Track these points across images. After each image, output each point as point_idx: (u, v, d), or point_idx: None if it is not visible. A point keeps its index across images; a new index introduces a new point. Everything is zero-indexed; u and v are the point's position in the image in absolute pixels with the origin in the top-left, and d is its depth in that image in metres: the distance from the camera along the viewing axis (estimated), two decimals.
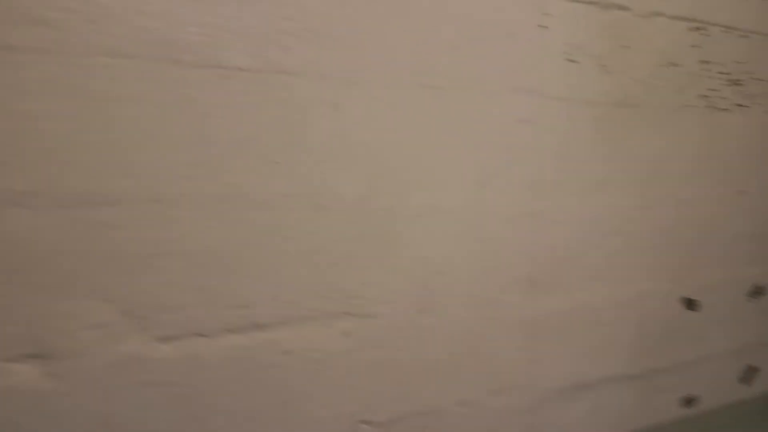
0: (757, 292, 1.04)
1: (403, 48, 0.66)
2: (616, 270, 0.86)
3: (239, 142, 0.59)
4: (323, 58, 0.62)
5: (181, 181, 0.56)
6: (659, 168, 0.90)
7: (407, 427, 0.69)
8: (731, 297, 1.01)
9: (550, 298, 0.80)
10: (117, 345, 0.56)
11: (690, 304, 0.95)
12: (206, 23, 0.56)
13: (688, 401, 0.95)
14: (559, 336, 0.81)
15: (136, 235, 0.55)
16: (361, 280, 0.66)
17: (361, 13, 0.63)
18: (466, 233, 0.73)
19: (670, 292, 0.93)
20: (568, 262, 0.81)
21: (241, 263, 0.59)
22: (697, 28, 0.90)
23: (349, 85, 0.65)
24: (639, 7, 0.84)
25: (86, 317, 0.55)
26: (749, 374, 1.04)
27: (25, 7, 0.50)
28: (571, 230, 0.81)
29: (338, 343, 0.65)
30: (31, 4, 0.50)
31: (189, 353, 0.58)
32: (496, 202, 0.75)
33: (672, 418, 0.94)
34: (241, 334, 0.60)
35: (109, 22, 0.53)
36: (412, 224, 0.69)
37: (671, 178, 0.91)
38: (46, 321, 0.53)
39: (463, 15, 0.70)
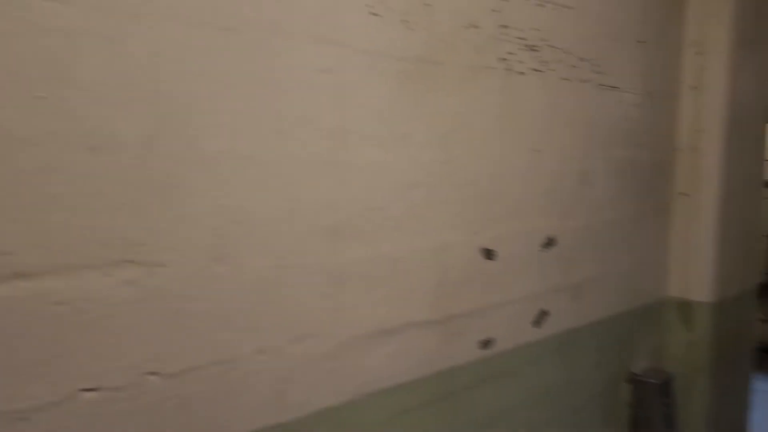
0: (549, 243, 1.14)
1: None
2: (418, 221, 0.90)
3: None
4: None
5: None
6: (460, 124, 0.95)
7: (201, 377, 0.68)
8: (526, 247, 1.10)
9: (353, 248, 0.82)
10: None
11: (488, 253, 1.02)
12: None
13: (486, 343, 1.03)
14: (362, 284, 0.84)
15: None
16: (146, 228, 0.63)
17: None
18: (265, 182, 0.72)
19: (470, 243, 0.99)
20: (371, 213, 0.84)
21: (1, 205, 0.54)
22: None
23: (131, 19, 0.61)
24: None
25: None
26: (541, 318, 1.14)
27: None
28: (373, 181, 0.84)
29: (121, 293, 0.62)
30: None
31: None
32: (296, 151, 0.75)
33: (471, 359, 1.01)
34: (1, 284, 0.55)
35: None
36: (204, 170, 0.67)
37: (472, 134, 0.97)
38: None
39: None
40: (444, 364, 0.97)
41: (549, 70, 1.09)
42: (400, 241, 0.88)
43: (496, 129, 1.01)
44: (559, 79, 1.11)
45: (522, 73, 1.03)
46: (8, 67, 0.54)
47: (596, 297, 1.30)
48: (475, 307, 1.02)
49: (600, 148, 1.24)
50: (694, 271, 1.51)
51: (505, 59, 1.00)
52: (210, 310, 0.68)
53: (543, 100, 1.09)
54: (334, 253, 0.80)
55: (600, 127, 1.23)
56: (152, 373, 0.64)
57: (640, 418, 1.42)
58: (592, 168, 1.23)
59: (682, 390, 1.52)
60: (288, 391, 0.76)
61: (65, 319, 0.58)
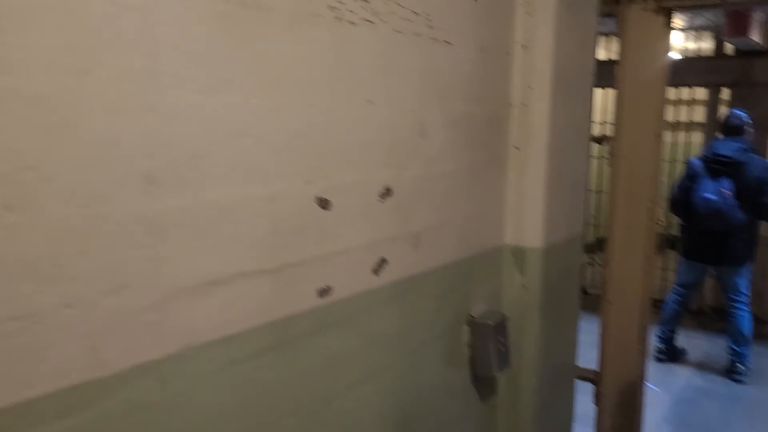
0: (386, 193, 1.17)
1: None
2: (246, 169, 0.89)
3: None
4: None
5: None
6: (289, 72, 0.94)
7: None
8: (363, 197, 1.12)
9: (174, 196, 0.79)
10: None
11: (322, 203, 1.03)
12: None
13: (324, 291, 1.05)
14: (186, 234, 0.81)
15: None
16: None
17: None
18: (64, 124, 0.67)
19: (303, 192, 0.99)
20: (193, 160, 0.81)
21: None
22: None
23: None
24: None
25: None
26: (380, 266, 1.17)
27: None
28: (194, 127, 0.81)
29: None
30: None
31: None
32: (100, 93, 0.70)
33: (308, 307, 1.02)
34: None
35: None
36: None
37: (301, 83, 0.96)
38: None
39: None
40: (280, 313, 0.97)
41: (381, 22, 1.10)
42: (227, 189, 0.86)
43: (327, 78, 1.01)
44: (393, 32, 1.13)
45: (353, 23, 1.04)
46: None
47: (435, 245, 1.36)
48: (312, 256, 1.02)
49: (436, 101, 1.29)
50: (526, 220, 1.62)
51: (335, 8, 1.00)
52: (4, 261, 0.63)
53: (376, 52, 1.10)
54: (152, 202, 0.77)
55: (435, 81, 1.27)
56: None
57: (477, 356, 1.52)
58: (429, 121, 1.27)
59: (516, 329, 1.64)
60: (103, 345, 0.73)
61: None
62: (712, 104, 5.55)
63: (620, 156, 1.84)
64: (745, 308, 4.51)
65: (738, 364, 4.56)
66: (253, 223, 0.91)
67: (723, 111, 4.77)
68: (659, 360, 4.96)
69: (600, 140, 2.35)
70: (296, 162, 0.97)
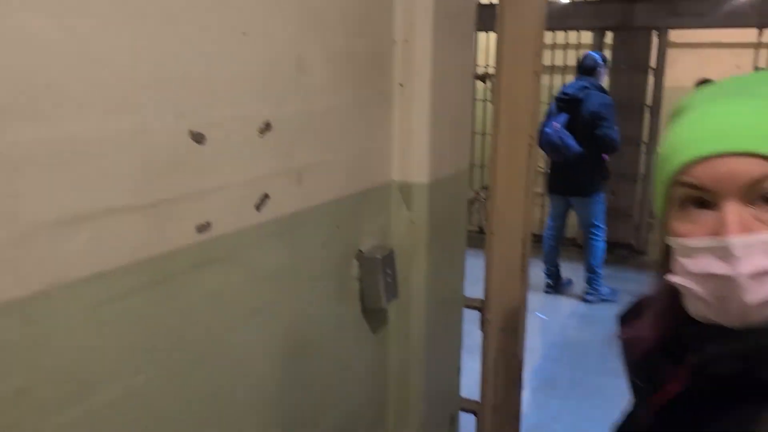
0: (266, 128, 1.17)
1: None
2: (107, 101, 0.85)
3: None
4: None
5: None
6: (154, 1, 0.90)
7: None
8: (241, 132, 1.11)
9: (26, 128, 0.75)
10: None
11: (197, 137, 1.01)
12: None
13: (203, 227, 1.04)
14: (44, 168, 0.78)
15: None
16: None
17: None
18: None
19: (176, 126, 0.97)
20: (46, 90, 0.77)
21: None
22: None
23: None
24: None
25: None
26: (262, 202, 1.18)
27: None
28: (45, 55, 0.76)
29: None
30: None
31: None
32: None
33: (187, 243, 1.01)
34: None
35: None
36: None
37: (169, 12, 0.92)
38: None
39: None
40: (156, 250, 0.96)
41: None
42: (88, 122, 0.83)
43: (196, 8, 0.97)
44: None
45: None
46: None
47: (321, 181, 1.37)
48: (188, 191, 1.01)
49: (315, 35, 1.27)
50: (412, 156, 1.66)
51: None
52: None
53: None
54: (3, 133, 0.73)
55: (314, 15, 1.26)
56: None
57: (367, 290, 1.57)
58: (308, 55, 1.26)
59: (405, 263, 1.71)
60: None
61: None
62: (597, 47, 5.81)
63: (501, 93, 1.91)
64: (598, 237, 4.95)
65: (590, 289, 5.05)
66: (120, 157, 0.88)
67: (603, 54, 5.01)
68: (547, 292, 5.32)
69: (483, 78, 2.43)
70: (165, 95, 0.94)
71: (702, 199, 0.77)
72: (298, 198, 1.30)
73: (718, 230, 0.74)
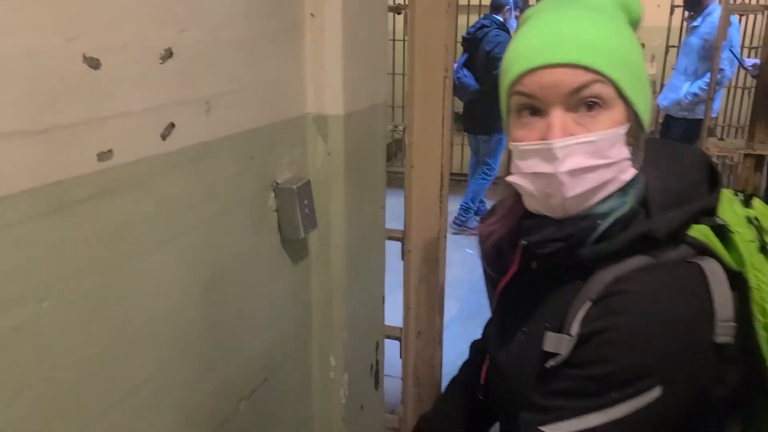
0: (167, 55, 1.15)
1: None
2: None
3: None
4: None
5: None
6: None
7: None
8: (140, 58, 1.09)
9: None
10: None
11: (92, 62, 0.99)
12: None
13: (103, 155, 1.03)
14: None
15: None
16: None
17: None
18: None
19: (68, 50, 0.95)
20: None
21: None
22: None
23: None
24: None
25: None
26: (168, 131, 1.17)
27: None
28: None
29: None
30: None
31: None
32: None
33: (87, 171, 1.01)
34: None
35: None
36: None
37: None
38: None
39: None
40: (53, 177, 0.95)
41: None
42: None
43: None
44: None
45: None
46: None
47: (231, 112, 1.37)
48: (86, 118, 1.00)
49: None
50: (327, 88, 1.67)
51: None
52: None
53: None
54: None
55: None
56: None
57: (284, 220, 1.60)
58: None
59: (323, 194, 1.74)
60: None
61: None
62: None
63: (415, 26, 1.92)
64: (486, 176, 5.22)
65: (458, 220, 5.37)
66: (10, 80, 0.86)
67: None
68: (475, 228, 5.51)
69: (398, 10, 2.43)
70: (52, 17, 0.92)
71: (534, 106, 0.89)
72: (207, 128, 1.30)
73: (545, 134, 0.85)
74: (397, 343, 2.35)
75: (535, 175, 0.87)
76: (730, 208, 0.95)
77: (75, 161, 0.99)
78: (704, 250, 0.88)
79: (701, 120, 5.26)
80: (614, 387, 0.83)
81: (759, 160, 1.99)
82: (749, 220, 0.94)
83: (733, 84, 6.50)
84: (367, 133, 1.87)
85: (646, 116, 0.91)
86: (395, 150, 7.31)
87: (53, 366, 0.98)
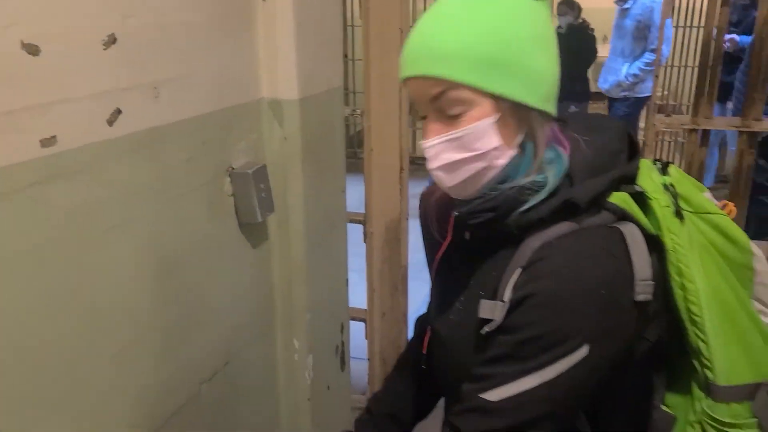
0: (111, 41, 1.15)
1: None
2: None
3: None
4: None
5: None
6: None
7: None
8: (82, 44, 1.10)
9: None
10: None
11: (31, 49, 0.99)
12: None
13: (47, 141, 1.04)
14: None
15: None
16: None
17: None
18: None
19: (5, 37, 0.95)
20: None
21: None
22: None
23: None
24: None
25: None
26: (115, 116, 1.18)
27: None
28: None
29: None
30: None
31: None
32: None
33: (31, 158, 1.01)
34: None
35: None
36: None
37: None
38: None
39: None
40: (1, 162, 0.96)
41: None
42: None
43: None
44: None
45: None
46: None
47: (181, 97, 1.38)
48: (26, 105, 1.00)
49: None
50: (281, 73, 1.68)
51: None
52: None
53: None
54: None
55: None
56: None
57: (241, 205, 1.61)
58: None
59: (280, 179, 1.75)
60: None
61: None
62: None
63: (370, 8, 1.94)
64: None
65: None
66: None
67: None
68: None
69: None
70: None
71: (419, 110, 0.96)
72: (156, 113, 1.30)
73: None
74: (363, 324, 2.38)
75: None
76: (648, 176, 1.00)
77: (16, 148, 0.99)
78: (624, 216, 0.93)
79: (642, 98, 5.40)
80: (545, 349, 0.87)
81: (704, 134, 2.05)
82: (665, 187, 0.99)
83: (670, 63, 6.61)
84: (324, 118, 1.89)
85: (532, 97, 0.93)
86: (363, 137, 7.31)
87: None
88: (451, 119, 0.91)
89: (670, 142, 6.55)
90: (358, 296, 2.33)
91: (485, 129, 0.90)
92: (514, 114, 0.92)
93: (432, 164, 0.93)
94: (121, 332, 1.26)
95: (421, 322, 1.37)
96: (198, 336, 1.53)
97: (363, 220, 2.19)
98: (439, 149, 0.92)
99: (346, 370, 2.27)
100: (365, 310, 2.34)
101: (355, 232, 2.29)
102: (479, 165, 0.92)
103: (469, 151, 0.90)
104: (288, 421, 1.98)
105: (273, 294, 1.87)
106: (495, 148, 0.91)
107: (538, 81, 0.93)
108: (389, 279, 2.26)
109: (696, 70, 6.40)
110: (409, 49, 0.93)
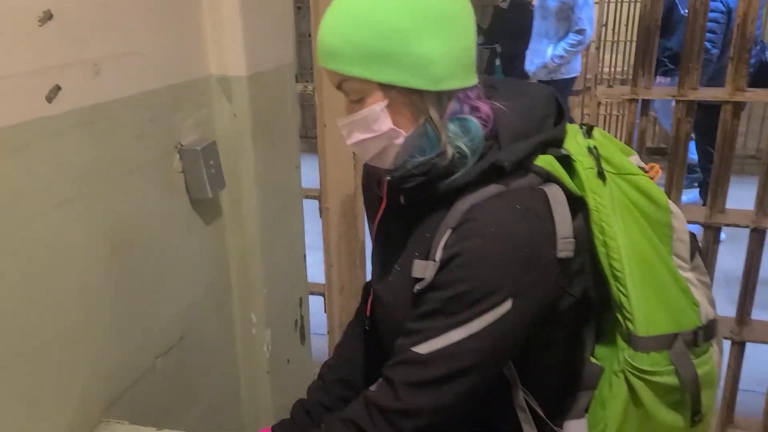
0: (47, 17, 1.15)
1: None
2: None
3: None
4: None
5: None
6: None
7: None
8: (17, 21, 1.10)
9: None
10: None
11: None
12: None
13: None
14: None
15: None
16: None
17: None
18: None
19: None
20: None
21: None
22: None
23: None
24: None
25: None
26: (54, 93, 1.18)
27: None
28: None
29: None
30: None
31: None
32: None
33: None
34: None
35: None
36: None
37: None
38: None
39: None
40: None
41: None
42: None
43: None
44: None
45: None
46: None
47: (125, 74, 1.38)
48: None
49: None
50: (228, 49, 1.69)
51: None
52: None
53: None
54: None
55: None
56: None
57: (191, 181, 1.63)
58: None
59: (231, 155, 1.77)
60: None
61: None
62: None
63: None
64: None
65: None
66: None
67: None
68: None
69: None
70: None
71: None
72: (99, 90, 1.31)
73: None
74: (321, 298, 2.42)
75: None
76: (574, 139, 1.05)
77: None
78: (549, 178, 0.98)
79: (569, 79, 5.49)
80: (471, 304, 0.93)
81: (645, 103, 2.12)
82: (589, 150, 1.04)
83: (614, 39, 6.63)
84: (275, 94, 1.90)
85: (419, 81, 0.96)
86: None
87: None
88: (355, 103, 1.00)
89: (617, 115, 6.66)
90: (317, 271, 2.36)
91: (377, 113, 0.98)
92: (406, 97, 0.98)
93: (347, 141, 1.05)
94: (72, 308, 1.27)
95: (367, 286, 1.41)
96: (152, 311, 1.55)
97: (318, 196, 2.21)
98: (350, 129, 1.03)
99: (306, 343, 2.31)
100: (324, 284, 2.37)
101: (313, 208, 2.32)
102: (381, 143, 1.01)
103: (370, 132, 0.99)
104: (247, 393, 2.02)
105: (229, 269, 1.90)
106: (391, 129, 0.99)
107: (426, 65, 0.96)
108: (347, 254, 2.30)
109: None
110: (317, 42, 1.02)
